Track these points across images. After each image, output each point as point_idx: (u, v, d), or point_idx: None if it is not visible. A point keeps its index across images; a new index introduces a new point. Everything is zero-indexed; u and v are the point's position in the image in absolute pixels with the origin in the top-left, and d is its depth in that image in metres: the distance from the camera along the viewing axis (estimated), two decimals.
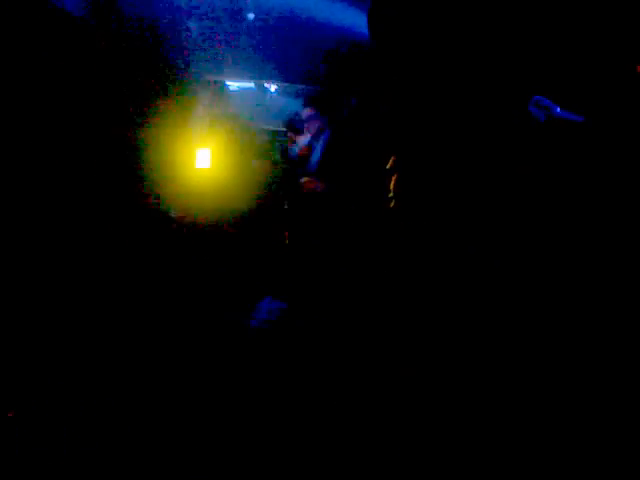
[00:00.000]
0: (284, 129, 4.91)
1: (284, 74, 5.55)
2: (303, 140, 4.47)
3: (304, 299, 3.18)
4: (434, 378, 2.35)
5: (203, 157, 3.68)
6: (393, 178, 2.62)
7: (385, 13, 3.03)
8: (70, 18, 2.55)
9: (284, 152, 4.89)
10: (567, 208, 2.28)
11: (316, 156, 4.14)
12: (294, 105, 5.06)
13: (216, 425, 2.41)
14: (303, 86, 5.51)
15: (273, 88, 5.88)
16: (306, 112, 4.30)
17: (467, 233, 2.47)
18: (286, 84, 5.79)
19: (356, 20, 4.71)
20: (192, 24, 4.67)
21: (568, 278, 2.23)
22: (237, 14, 5.04)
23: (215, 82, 5.28)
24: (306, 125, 4.35)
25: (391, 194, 2.65)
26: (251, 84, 5.83)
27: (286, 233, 3.79)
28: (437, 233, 2.52)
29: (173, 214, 3.41)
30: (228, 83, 5.64)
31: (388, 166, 2.63)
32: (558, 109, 2.36)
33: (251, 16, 5.06)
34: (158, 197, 3.12)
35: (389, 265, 2.74)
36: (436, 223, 2.53)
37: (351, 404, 2.41)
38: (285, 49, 5.22)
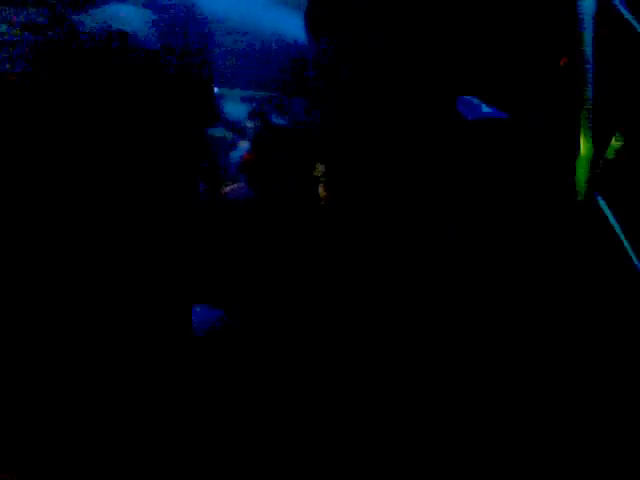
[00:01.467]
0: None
1: (230, 80, 5.50)
2: (246, 145, 4.40)
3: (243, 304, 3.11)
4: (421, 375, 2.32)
5: None
6: (321, 184, 2.58)
7: (319, 14, 3.02)
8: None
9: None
10: (493, 201, 2.28)
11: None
12: (238, 110, 5.00)
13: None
14: (250, 92, 5.47)
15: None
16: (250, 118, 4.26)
17: (396, 229, 2.44)
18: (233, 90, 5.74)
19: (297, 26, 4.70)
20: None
21: (492, 270, 2.23)
22: None
23: None
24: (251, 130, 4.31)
25: (323, 202, 2.61)
26: None
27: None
28: (366, 231, 2.49)
29: None
30: None
31: (316, 172, 2.59)
32: (484, 107, 2.37)
33: None
34: None
35: (324, 265, 2.69)
36: (364, 223, 2.50)
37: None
38: (229, 55, 5.18)
